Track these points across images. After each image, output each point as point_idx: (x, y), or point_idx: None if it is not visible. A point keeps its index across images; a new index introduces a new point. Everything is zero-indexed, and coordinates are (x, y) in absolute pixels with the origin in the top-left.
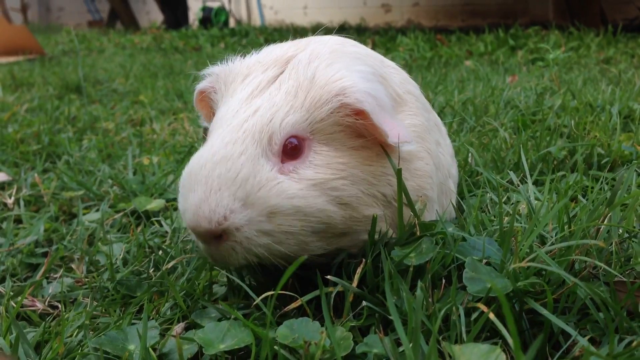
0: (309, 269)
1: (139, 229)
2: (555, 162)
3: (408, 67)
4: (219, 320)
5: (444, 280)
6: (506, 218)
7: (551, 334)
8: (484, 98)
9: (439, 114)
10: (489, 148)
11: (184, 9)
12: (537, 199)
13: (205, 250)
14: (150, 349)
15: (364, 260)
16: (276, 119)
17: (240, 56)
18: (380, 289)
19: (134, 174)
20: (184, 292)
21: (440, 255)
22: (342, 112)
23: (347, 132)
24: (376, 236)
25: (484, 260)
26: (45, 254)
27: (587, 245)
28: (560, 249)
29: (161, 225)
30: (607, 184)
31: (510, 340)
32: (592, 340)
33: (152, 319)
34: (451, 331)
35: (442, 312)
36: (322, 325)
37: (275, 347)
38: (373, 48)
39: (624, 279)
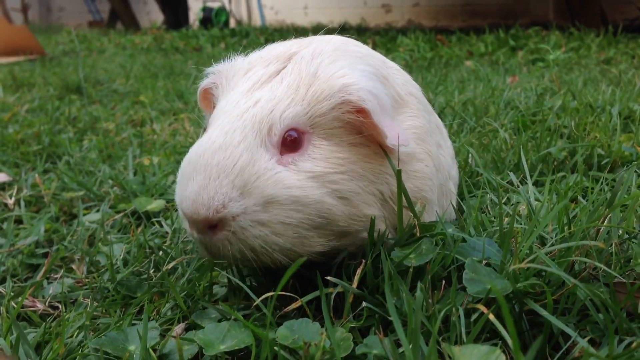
0: (309, 269)
1: (140, 229)
2: (555, 163)
3: (408, 68)
4: (219, 321)
5: (443, 281)
6: (506, 219)
7: (551, 335)
8: (484, 99)
9: (439, 115)
10: (489, 149)
11: (184, 9)
12: (537, 199)
13: (199, 241)
14: (150, 350)
15: (363, 261)
16: (277, 110)
17: (242, 55)
18: (380, 290)
19: (135, 174)
20: (185, 292)
21: (440, 256)
22: (344, 108)
23: (346, 129)
24: (375, 235)
25: (484, 261)
26: (45, 255)
27: (587, 246)
28: (560, 250)
29: (161, 226)
30: (607, 184)
31: (510, 342)
32: (591, 342)
33: (153, 319)
34: (451, 332)
35: (442, 313)
36: (322, 326)
37: (276, 348)
38: (373, 48)
39: (624, 280)
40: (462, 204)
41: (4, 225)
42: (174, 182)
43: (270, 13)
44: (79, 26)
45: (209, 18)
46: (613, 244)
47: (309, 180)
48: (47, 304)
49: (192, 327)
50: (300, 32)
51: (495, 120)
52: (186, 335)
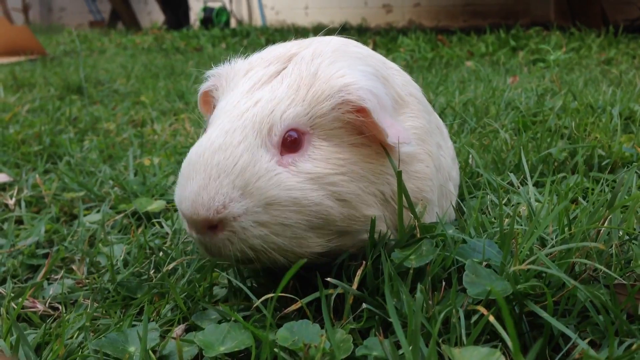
0: (309, 271)
1: (140, 230)
2: (555, 164)
3: (409, 68)
4: (220, 322)
5: (444, 283)
6: (506, 220)
7: (551, 336)
8: (485, 99)
9: (440, 115)
10: (489, 149)
11: (185, 9)
12: (537, 200)
13: (199, 241)
14: (150, 351)
15: (364, 262)
16: (277, 111)
17: (242, 57)
18: (381, 291)
19: (135, 175)
20: (185, 293)
21: (440, 257)
22: (344, 108)
23: (347, 129)
24: (375, 236)
25: (484, 263)
26: (46, 255)
27: (587, 248)
28: (560, 252)
29: (162, 227)
30: (607, 185)
31: (510, 344)
32: (592, 343)
33: (153, 320)
34: (451, 334)
35: (442, 314)
36: (323, 328)
37: (275, 349)
38: (374, 48)
39: (624, 282)
40: (462, 204)
41: (5, 226)
42: (174, 182)
43: (271, 13)
44: (79, 26)
45: (210, 18)
46: (613, 246)
47: (308, 182)
48: (47, 304)
49: (192, 328)
50: (301, 32)
51: (495, 121)
52: (186, 336)
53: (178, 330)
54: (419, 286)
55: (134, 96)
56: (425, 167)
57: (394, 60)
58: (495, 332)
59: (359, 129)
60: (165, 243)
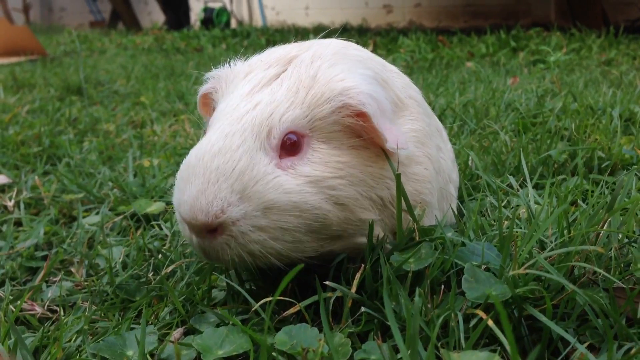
0: (308, 274)
1: (139, 232)
2: (555, 166)
3: (409, 69)
4: (218, 325)
5: (442, 286)
6: (506, 222)
7: (550, 340)
8: (485, 100)
9: (439, 117)
10: (489, 151)
11: (185, 9)
12: (537, 203)
13: (197, 244)
14: (148, 356)
15: (362, 265)
16: (276, 113)
17: (242, 59)
18: (379, 295)
19: (135, 176)
20: (183, 296)
21: (439, 260)
22: (344, 112)
23: (346, 132)
24: (374, 240)
25: (483, 266)
26: (45, 258)
27: (587, 251)
28: (559, 255)
29: (161, 229)
30: (607, 188)
31: (508, 348)
32: (591, 347)
33: (151, 324)
34: (450, 338)
35: (441, 318)
36: (321, 331)
37: (274, 353)
38: (375, 49)
39: (623, 286)
40: (461, 207)
41: (4, 228)
42: (174, 184)
43: (272, 13)
44: (80, 26)
45: (210, 18)
46: (613, 249)
47: (307, 186)
48: (45, 307)
49: (191, 331)
50: (301, 32)
51: (495, 123)
52: (184, 340)
53: (176, 333)
54: (417, 290)
55: (134, 97)
56: (424, 170)
57: (394, 60)
58: (494, 336)
59: (358, 132)
60: (164, 245)
